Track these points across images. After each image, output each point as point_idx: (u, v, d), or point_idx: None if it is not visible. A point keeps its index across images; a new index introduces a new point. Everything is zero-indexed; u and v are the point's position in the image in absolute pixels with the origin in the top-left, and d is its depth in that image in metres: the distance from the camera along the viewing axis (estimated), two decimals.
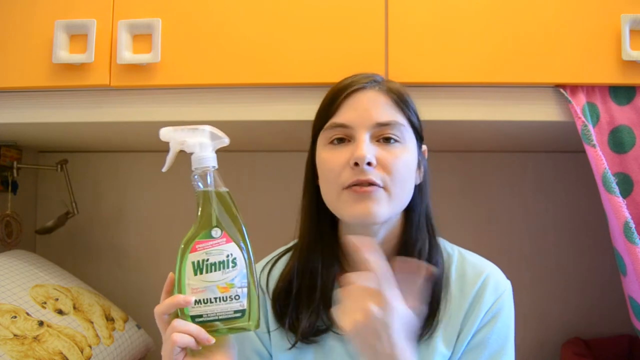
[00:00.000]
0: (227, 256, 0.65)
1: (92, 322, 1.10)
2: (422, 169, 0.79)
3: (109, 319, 1.16)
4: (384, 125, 0.72)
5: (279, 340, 0.79)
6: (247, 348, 0.80)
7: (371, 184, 0.70)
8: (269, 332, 0.80)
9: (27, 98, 1.00)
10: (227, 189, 0.68)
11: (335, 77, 0.79)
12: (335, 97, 0.75)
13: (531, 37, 0.92)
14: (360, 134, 0.72)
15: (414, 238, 0.77)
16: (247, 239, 0.67)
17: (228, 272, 0.65)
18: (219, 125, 1.01)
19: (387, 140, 0.73)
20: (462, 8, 0.93)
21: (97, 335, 1.08)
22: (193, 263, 0.65)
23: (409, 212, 0.78)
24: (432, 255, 0.77)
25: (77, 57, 0.95)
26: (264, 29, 0.95)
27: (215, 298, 0.65)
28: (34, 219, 1.47)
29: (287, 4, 0.95)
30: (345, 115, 0.73)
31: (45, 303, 1.06)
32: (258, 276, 0.83)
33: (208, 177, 0.67)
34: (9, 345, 0.92)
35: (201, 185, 0.67)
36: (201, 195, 0.67)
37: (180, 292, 0.65)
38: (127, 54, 0.95)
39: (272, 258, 0.85)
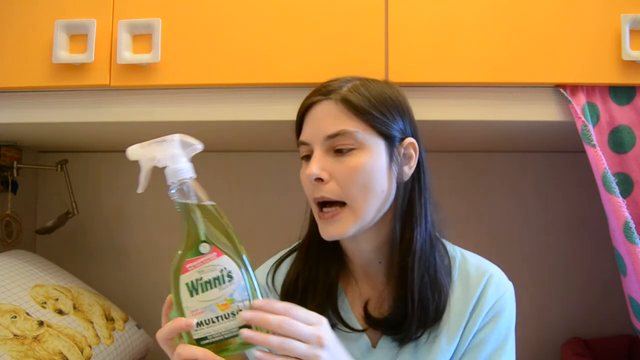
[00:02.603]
0: (221, 271, 0.60)
1: (92, 322, 1.10)
2: (398, 168, 0.75)
3: (109, 319, 1.16)
4: (333, 136, 0.72)
5: None
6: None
7: (326, 202, 0.73)
8: None
9: (27, 98, 1.00)
10: (211, 201, 0.63)
11: (335, 77, 0.79)
12: (299, 114, 0.77)
13: (531, 37, 0.92)
14: (316, 148, 0.73)
15: (397, 235, 0.76)
16: (241, 248, 0.62)
17: (225, 287, 0.60)
18: (219, 125, 1.02)
19: (340, 151, 0.72)
20: (462, 8, 0.93)
21: (97, 335, 1.08)
22: (187, 285, 0.60)
23: (393, 210, 0.76)
24: (424, 252, 0.76)
25: (77, 57, 0.95)
26: (263, 29, 0.95)
27: (217, 317, 0.60)
28: (34, 219, 1.47)
29: (287, 4, 0.95)
30: (305, 132, 0.76)
31: (45, 303, 1.06)
32: (264, 279, 0.83)
33: (186, 190, 0.62)
34: (9, 345, 0.92)
35: (181, 200, 0.62)
36: (183, 211, 0.62)
37: (180, 315, 0.61)
38: (127, 54, 0.95)
39: (277, 259, 0.86)
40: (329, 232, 0.73)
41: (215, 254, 0.61)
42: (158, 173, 0.66)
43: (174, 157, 0.62)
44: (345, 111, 0.72)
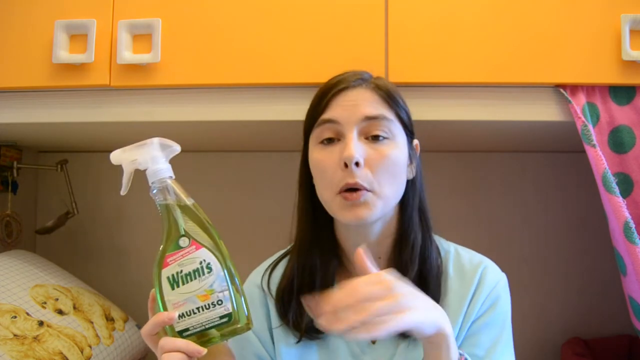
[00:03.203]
0: (200, 263, 0.63)
1: (92, 322, 1.10)
2: (414, 164, 0.79)
3: (109, 319, 1.16)
4: (372, 119, 0.73)
5: (283, 337, 0.80)
6: (247, 352, 0.80)
7: (359, 188, 0.71)
8: (270, 332, 0.81)
9: (27, 98, 0.99)
10: (191, 199, 0.66)
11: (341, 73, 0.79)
12: (324, 95, 0.75)
13: (531, 37, 0.92)
14: (349, 130, 0.72)
15: (407, 232, 0.77)
16: (219, 240, 0.65)
17: (204, 278, 0.63)
18: (219, 125, 1.02)
19: (375, 137, 0.73)
20: (462, 8, 0.93)
21: (97, 335, 1.09)
22: (168, 278, 0.63)
23: (402, 207, 0.78)
24: (426, 249, 0.78)
25: (77, 57, 0.95)
26: (263, 29, 0.95)
27: (198, 308, 0.63)
28: (34, 219, 1.47)
29: (287, 4, 0.95)
30: (333, 111, 0.74)
31: (45, 303, 1.06)
32: (259, 282, 0.83)
33: (167, 189, 0.65)
34: (9, 345, 0.92)
35: (161, 199, 0.65)
36: (163, 208, 0.65)
37: (163, 309, 0.64)
38: (127, 54, 0.95)
39: (273, 261, 0.86)
40: (355, 214, 0.71)
41: (194, 247, 0.64)
42: None
43: (154, 159, 0.66)
44: (383, 99, 0.75)
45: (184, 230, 0.64)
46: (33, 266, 1.16)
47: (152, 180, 0.65)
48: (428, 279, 0.76)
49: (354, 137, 0.72)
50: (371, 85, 0.76)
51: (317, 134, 0.75)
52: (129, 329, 1.19)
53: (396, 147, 0.74)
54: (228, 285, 0.64)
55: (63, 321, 1.05)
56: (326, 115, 0.74)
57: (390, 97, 0.75)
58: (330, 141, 0.74)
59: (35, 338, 0.97)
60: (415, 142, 0.80)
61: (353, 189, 0.71)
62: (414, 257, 0.76)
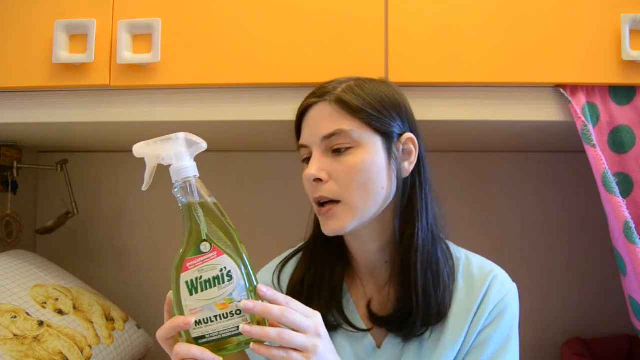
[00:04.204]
0: (221, 270, 0.61)
1: (92, 322, 1.10)
2: (405, 163, 0.76)
3: (109, 319, 1.16)
4: (329, 137, 0.73)
5: None
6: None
7: (325, 202, 0.74)
8: None
9: (27, 98, 1.00)
10: (213, 200, 0.63)
11: (335, 77, 0.79)
12: (297, 118, 0.79)
13: (531, 37, 0.92)
14: (314, 150, 0.75)
15: (397, 231, 0.76)
16: (242, 248, 0.63)
17: (224, 287, 0.61)
18: (219, 125, 1.02)
19: (337, 151, 0.73)
20: (462, 8, 0.93)
21: (97, 335, 1.09)
22: (187, 283, 0.61)
23: (394, 207, 0.77)
24: (429, 252, 0.76)
25: (77, 57, 0.95)
26: (263, 29, 0.95)
27: (215, 316, 0.60)
28: (34, 219, 1.47)
29: (287, 4, 0.95)
30: (303, 135, 0.77)
31: (45, 303, 1.06)
32: (270, 279, 0.83)
33: (190, 189, 0.62)
34: (9, 345, 0.92)
35: (184, 199, 0.62)
36: (186, 209, 0.62)
37: (179, 313, 0.62)
38: (127, 54, 0.95)
39: (283, 260, 0.86)
40: (328, 226, 0.74)
41: (215, 253, 0.61)
42: (157, 173, 0.66)
43: (179, 156, 0.63)
44: (340, 111, 0.73)
45: (206, 235, 0.62)
46: (33, 266, 1.16)
47: (175, 179, 0.62)
48: (434, 283, 0.75)
49: (315, 156, 0.74)
50: (332, 97, 0.74)
51: (301, 154, 0.79)
52: (129, 329, 1.19)
53: (363, 154, 0.72)
54: (248, 294, 0.61)
55: (63, 321, 1.05)
56: (300, 140, 0.78)
57: (349, 107, 0.73)
58: (308, 160, 0.77)
59: (35, 338, 0.97)
60: (408, 136, 0.76)
61: (322, 202, 0.74)
62: (416, 260, 0.75)
